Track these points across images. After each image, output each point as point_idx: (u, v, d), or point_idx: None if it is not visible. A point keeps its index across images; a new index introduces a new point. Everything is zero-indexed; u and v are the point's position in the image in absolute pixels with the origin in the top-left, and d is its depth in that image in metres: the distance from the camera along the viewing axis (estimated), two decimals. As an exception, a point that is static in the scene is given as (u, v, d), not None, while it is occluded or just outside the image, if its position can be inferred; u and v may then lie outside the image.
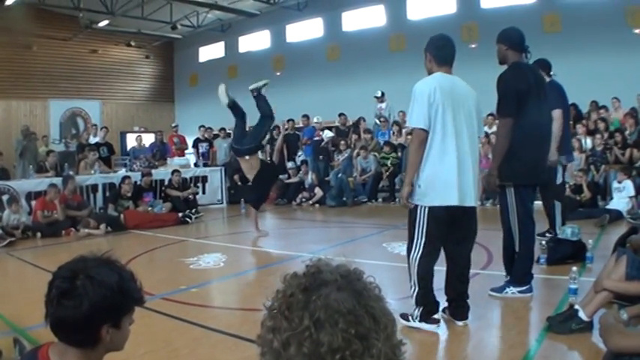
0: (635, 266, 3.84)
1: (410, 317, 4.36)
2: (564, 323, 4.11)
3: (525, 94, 4.94)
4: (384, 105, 15.99)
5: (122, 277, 1.87)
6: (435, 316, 4.36)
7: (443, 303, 4.57)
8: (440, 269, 4.48)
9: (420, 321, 4.32)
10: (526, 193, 5.15)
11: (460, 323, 4.47)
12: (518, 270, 5.19)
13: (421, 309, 4.31)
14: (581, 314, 4.03)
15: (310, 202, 14.39)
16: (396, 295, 5.11)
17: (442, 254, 4.49)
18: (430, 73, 4.44)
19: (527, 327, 4.49)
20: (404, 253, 4.55)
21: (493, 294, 5.22)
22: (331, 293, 1.10)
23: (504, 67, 5.19)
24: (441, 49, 4.46)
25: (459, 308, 4.51)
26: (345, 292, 1.11)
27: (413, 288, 4.33)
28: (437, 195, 4.18)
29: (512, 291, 5.15)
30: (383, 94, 15.96)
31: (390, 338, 1.12)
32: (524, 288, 5.15)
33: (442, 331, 4.39)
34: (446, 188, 4.16)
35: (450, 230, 4.33)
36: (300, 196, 14.71)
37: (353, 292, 1.12)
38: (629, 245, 5.15)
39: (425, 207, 4.22)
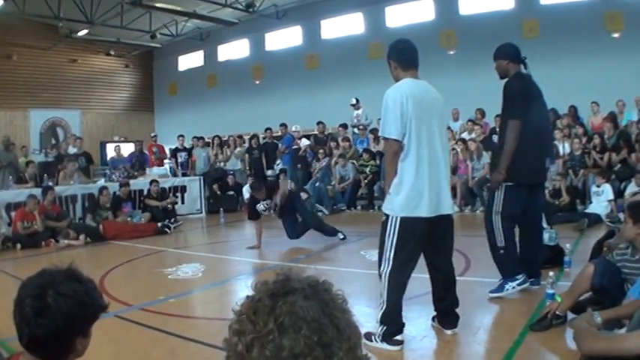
0: (606, 277, 4.03)
1: (373, 337, 4.15)
2: (543, 321, 4.32)
3: (531, 99, 5.22)
4: (360, 112, 16.04)
5: (88, 288, 1.92)
6: (398, 338, 4.16)
7: (430, 313, 4.59)
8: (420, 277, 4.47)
9: (381, 341, 4.12)
10: (516, 192, 5.22)
11: (449, 332, 4.42)
12: (506, 264, 5.29)
13: (384, 328, 4.13)
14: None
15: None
16: (372, 302, 5.10)
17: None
18: (397, 80, 4.28)
19: (504, 332, 4.51)
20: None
21: (493, 295, 5.26)
22: (297, 301, 1.11)
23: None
24: (402, 52, 4.33)
25: (447, 317, 4.44)
26: (312, 301, 1.12)
27: (381, 305, 4.16)
28: (408, 205, 4.04)
29: (511, 286, 5.21)
30: (358, 100, 16.01)
31: (354, 350, 1.12)
32: (520, 280, 5.21)
33: (415, 337, 4.44)
34: (417, 199, 4.03)
35: (428, 241, 4.21)
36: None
37: (319, 301, 1.13)
38: (606, 249, 5.22)
39: (396, 217, 4.08)
